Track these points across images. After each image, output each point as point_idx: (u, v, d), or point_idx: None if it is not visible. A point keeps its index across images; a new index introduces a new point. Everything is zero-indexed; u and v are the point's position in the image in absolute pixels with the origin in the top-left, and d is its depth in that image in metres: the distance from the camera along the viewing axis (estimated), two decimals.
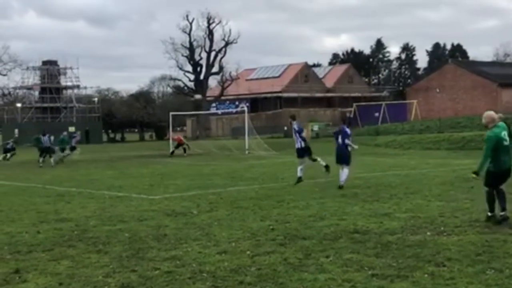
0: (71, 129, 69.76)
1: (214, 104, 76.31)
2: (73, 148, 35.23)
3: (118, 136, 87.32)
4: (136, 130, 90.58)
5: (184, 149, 37.50)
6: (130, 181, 20.28)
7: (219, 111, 74.77)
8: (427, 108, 61.94)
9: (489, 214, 10.16)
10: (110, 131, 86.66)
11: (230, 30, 74.32)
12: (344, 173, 16.06)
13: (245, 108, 46.17)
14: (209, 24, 70.61)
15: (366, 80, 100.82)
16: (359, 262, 7.60)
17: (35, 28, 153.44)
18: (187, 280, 7.03)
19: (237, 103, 73.16)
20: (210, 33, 70.89)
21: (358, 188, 15.65)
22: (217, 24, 70.70)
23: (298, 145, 17.15)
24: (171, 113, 44.35)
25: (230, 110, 69.86)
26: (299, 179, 16.86)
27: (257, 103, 76.25)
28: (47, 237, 9.98)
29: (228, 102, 76.48)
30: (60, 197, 15.82)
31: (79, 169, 27.01)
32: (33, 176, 23.57)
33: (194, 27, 71.01)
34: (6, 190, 18.36)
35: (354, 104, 64.03)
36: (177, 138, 39.67)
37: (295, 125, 17.38)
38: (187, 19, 70.47)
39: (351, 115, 59.52)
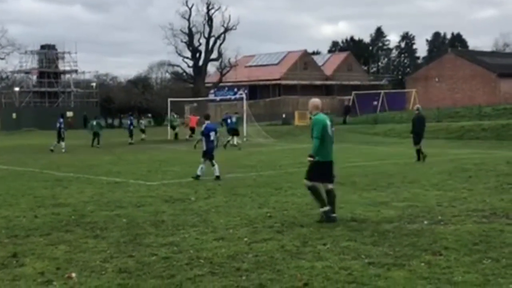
0: (69, 114, 69.67)
1: (212, 91, 76.12)
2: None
3: (116, 122, 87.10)
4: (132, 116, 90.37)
5: (191, 135, 37.81)
6: (128, 167, 20.28)
7: (218, 98, 74.63)
8: (426, 97, 61.83)
9: (323, 209, 9.58)
10: (108, 116, 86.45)
11: (229, 16, 73.81)
12: None
13: (244, 95, 46.12)
14: (208, 10, 70.25)
15: (365, 68, 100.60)
16: (356, 250, 7.61)
17: (32, 12, 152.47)
18: (184, 266, 7.04)
19: (235, 89, 73.03)
20: (210, 19, 70.54)
21: (356, 177, 15.66)
22: (217, 10, 70.34)
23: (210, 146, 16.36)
24: (169, 99, 44.30)
25: (229, 97, 69.74)
26: (198, 177, 15.87)
27: (255, 90, 76.12)
28: (44, 222, 9.98)
29: (226, 88, 76.35)
30: (58, 182, 15.82)
31: (77, 155, 26.98)
32: (31, 161, 23.55)
33: (193, 13, 70.65)
34: (3, 174, 18.35)
35: (353, 93, 63.90)
36: (191, 121, 39.63)
37: (205, 125, 16.55)
38: (186, 5, 70.06)
39: (350, 104, 59.43)
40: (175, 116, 43.31)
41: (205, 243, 8.23)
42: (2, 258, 7.58)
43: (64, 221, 10.01)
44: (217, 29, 70.76)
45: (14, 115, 70.67)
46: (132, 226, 9.49)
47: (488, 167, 17.67)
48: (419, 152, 20.15)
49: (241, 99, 46.59)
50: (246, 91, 60.74)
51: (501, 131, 33.12)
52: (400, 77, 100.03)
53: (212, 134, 16.23)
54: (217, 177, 15.80)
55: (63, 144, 29.55)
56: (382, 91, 63.90)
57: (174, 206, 11.42)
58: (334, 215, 9.57)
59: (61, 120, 30.66)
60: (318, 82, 79.99)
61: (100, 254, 7.73)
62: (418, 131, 20.34)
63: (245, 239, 8.41)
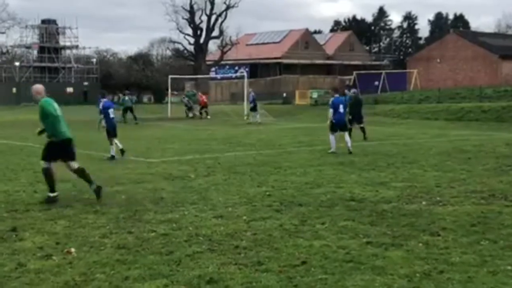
0: (69, 89, 69.53)
1: (213, 69, 75.88)
2: None
3: (116, 98, 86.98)
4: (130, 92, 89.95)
5: (207, 112, 37.69)
6: (127, 143, 20.23)
7: (218, 76, 74.41)
8: (427, 78, 61.72)
9: (52, 194, 9.63)
10: (109, 93, 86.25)
11: None
12: (348, 139, 16.75)
13: (245, 74, 45.96)
14: None
15: (367, 48, 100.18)
16: (354, 230, 7.64)
17: None
18: (183, 243, 7.07)
19: (236, 68, 72.81)
20: None
21: (355, 157, 15.67)
22: None
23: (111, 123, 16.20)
24: (170, 76, 44.15)
25: (230, 75, 69.56)
26: (113, 157, 15.73)
27: (256, 69, 75.86)
28: (44, 197, 9.99)
29: (227, 67, 76.09)
30: None
31: (77, 130, 26.95)
32: (30, 136, 23.52)
33: None
34: (3, 148, 18.36)
35: (354, 72, 63.70)
36: (202, 100, 39.43)
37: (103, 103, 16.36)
38: None
39: (351, 83, 59.27)
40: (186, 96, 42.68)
41: (204, 220, 8.26)
42: (2, 232, 7.61)
43: (63, 196, 10.02)
44: (219, 6, 70.42)
45: (14, 90, 70.47)
46: (132, 203, 9.51)
47: (487, 148, 17.67)
48: (364, 129, 21.56)
49: (242, 77, 46.43)
50: (247, 70, 60.52)
51: (501, 113, 33.07)
52: (401, 57, 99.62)
53: (110, 111, 16.15)
54: (112, 157, 15.45)
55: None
56: (383, 71, 63.70)
57: (173, 184, 11.44)
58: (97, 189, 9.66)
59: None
60: (319, 62, 79.72)
61: (99, 229, 7.76)
62: (358, 112, 21.52)
63: (244, 217, 8.44)
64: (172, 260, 6.39)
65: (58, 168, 13.30)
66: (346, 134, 16.91)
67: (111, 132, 16.04)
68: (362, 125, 21.64)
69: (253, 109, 33.90)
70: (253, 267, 6.16)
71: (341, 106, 16.93)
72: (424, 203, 9.40)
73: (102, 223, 8.10)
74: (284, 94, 57.37)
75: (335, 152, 16.33)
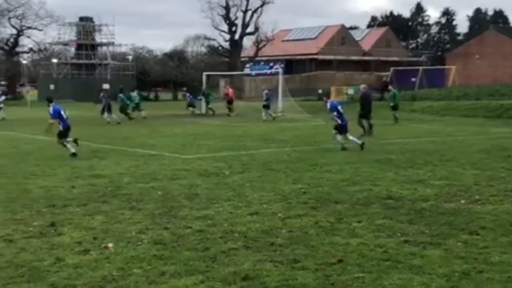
0: (105, 86, 70.34)
1: (248, 65, 75.85)
2: None
3: (152, 95, 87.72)
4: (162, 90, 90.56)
5: (230, 109, 37.56)
6: (162, 140, 20.42)
7: (253, 72, 74.37)
8: (466, 75, 60.62)
9: None
10: (143, 89, 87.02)
11: None
12: (351, 137, 16.84)
13: (280, 70, 45.81)
14: None
15: (404, 44, 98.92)
16: (391, 228, 7.54)
17: None
18: (218, 240, 7.08)
19: (271, 64, 72.63)
20: None
21: (392, 154, 15.48)
22: None
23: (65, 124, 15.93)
24: (204, 73, 44.25)
25: (264, 71, 69.45)
26: (74, 154, 15.39)
27: (292, 65, 75.53)
28: (81, 192, 10.14)
29: (262, 63, 76.00)
30: (94, 153, 16.01)
31: (112, 127, 27.28)
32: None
33: None
34: (42, 145, 18.65)
35: (391, 69, 62.99)
36: (229, 94, 39.28)
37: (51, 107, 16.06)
38: None
39: (388, 80, 58.62)
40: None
41: (239, 217, 8.25)
42: (41, 227, 7.74)
43: (100, 192, 10.14)
44: (254, 2, 70.31)
45: (52, 87, 71.53)
46: (167, 199, 9.57)
47: None
48: (370, 125, 21.55)
49: (277, 73, 46.29)
50: (282, 66, 60.30)
51: None
52: (439, 53, 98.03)
53: (62, 112, 15.94)
54: (73, 154, 15.22)
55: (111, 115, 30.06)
56: (421, 68, 62.81)
57: (208, 180, 11.47)
58: None
59: (120, 95, 31.16)
60: (355, 58, 78.99)
61: (135, 225, 7.82)
62: (367, 108, 21.56)
63: (279, 214, 8.41)
64: (208, 257, 6.40)
65: (92, 163, 13.49)
66: (348, 134, 16.89)
67: (64, 133, 15.83)
68: (371, 122, 21.75)
69: (266, 106, 33.79)
70: (289, 264, 6.13)
71: (339, 108, 17.02)
72: (463, 201, 9.24)
73: (138, 219, 8.17)
74: (320, 91, 56.99)
75: (345, 147, 16.34)
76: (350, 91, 54.79)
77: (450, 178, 11.47)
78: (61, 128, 15.81)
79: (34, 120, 32.73)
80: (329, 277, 5.75)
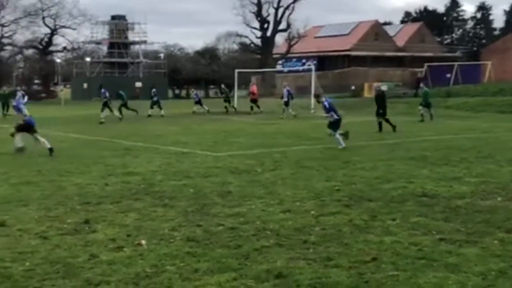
0: (138, 84, 70.95)
1: (280, 62, 75.73)
2: None
3: (184, 93, 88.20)
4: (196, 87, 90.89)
5: (252, 107, 37.21)
6: (194, 137, 20.49)
7: (285, 69, 74.21)
8: (502, 70, 59.47)
9: None
10: (175, 87, 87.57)
11: None
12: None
13: (312, 66, 45.60)
14: None
15: (439, 39, 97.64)
16: (426, 226, 7.43)
17: None
18: (251, 237, 7.06)
19: (303, 61, 72.40)
20: None
21: (427, 151, 15.26)
22: None
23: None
24: (236, 70, 44.29)
25: (296, 68, 69.21)
26: (21, 149, 15.63)
27: (324, 62, 75.15)
28: (115, 190, 10.22)
29: (294, 59, 75.78)
30: (127, 151, 16.15)
31: (145, 124, 27.50)
32: (100, 130, 24.17)
33: None
34: (75, 143, 18.90)
35: (426, 65, 62.15)
36: (254, 92, 38.93)
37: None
38: None
39: (422, 76, 57.89)
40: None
41: (272, 214, 8.22)
42: (75, 224, 7.82)
43: (133, 190, 10.21)
44: None
45: (85, 85, 72.47)
46: (200, 196, 9.58)
47: None
48: (381, 123, 21.57)
49: (309, 70, 46.08)
50: (314, 62, 60.09)
51: None
52: (475, 49, 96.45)
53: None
54: (50, 150, 15.27)
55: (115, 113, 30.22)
56: (456, 63, 61.85)
57: (240, 177, 11.46)
58: None
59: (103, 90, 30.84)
60: (389, 54, 78.17)
61: (168, 222, 7.85)
62: (383, 106, 21.80)
63: (312, 212, 8.35)
64: (240, 254, 6.39)
65: (125, 161, 13.61)
66: (339, 131, 16.56)
67: (26, 127, 16.04)
68: (386, 117, 21.78)
69: (287, 103, 33.57)
70: (322, 262, 6.09)
71: (334, 108, 16.88)
72: (499, 199, 9.05)
73: (171, 216, 8.20)
74: (353, 87, 56.63)
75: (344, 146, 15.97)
76: (384, 87, 54.22)
77: (486, 175, 11.25)
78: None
79: (67, 119, 33.24)
80: (362, 275, 5.69)
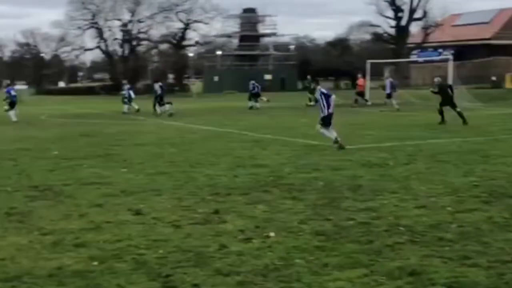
0: (267, 76, 71.77)
1: (414, 52, 73.37)
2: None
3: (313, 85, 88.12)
4: (333, 79, 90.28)
5: (356, 100, 36.32)
6: None
7: (420, 59, 71.74)
8: None
9: None
10: (305, 79, 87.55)
11: None
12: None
13: (450, 56, 43.65)
14: None
15: None
16: None
17: None
18: (383, 233, 6.81)
19: (440, 50, 69.59)
20: None
21: None
22: None
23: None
24: (368, 61, 43.40)
25: (432, 58, 66.65)
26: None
27: (462, 51, 71.74)
28: (243, 181, 10.31)
29: (430, 49, 73.06)
30: (256, 143, 16.30)
31: (274, 117, 27.70)
32: (230, 122, 24.64)
33: None
34: (206, 135, 19.39)
35: None
36: (361, 84, 38.25)
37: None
38: None
39: None
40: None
41: (405, 210, 7.90)
42: (206, 214, 7.96)
43: (262, 182, 10.24)
44: None
45: (216, 78, 74.42)
46: (329, 190, 9.42)
47: None
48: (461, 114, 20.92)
49: (446, 60, 44.17)
50: (452, 52, 57.48)
51: None
52: None
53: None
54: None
55: (166, 107, 30.38)
56: None
57: (372, 171, 11.14)
58: None
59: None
60: None
61: (297, 215, 7.77)
62: (448, 98, 21.38)
63: (449, 208, 7.93)
64: (372, 250, 6.18)
65: (254, 153, 13.70)
66: (329, 128, 15.02)
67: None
68: (458, 110, 21.16)
69: (389, 96, 32.27)
70: (459, 261, 5.78)
71: (330, 98, 15.02)
72: None
73: (300, 209, 8.11)
74: (493, 78, 53.64)
75: (338, 141, 14.63)
76: None
77: None
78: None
79: (199, 111, 34.31)
80: (503, 275, 5.33)
